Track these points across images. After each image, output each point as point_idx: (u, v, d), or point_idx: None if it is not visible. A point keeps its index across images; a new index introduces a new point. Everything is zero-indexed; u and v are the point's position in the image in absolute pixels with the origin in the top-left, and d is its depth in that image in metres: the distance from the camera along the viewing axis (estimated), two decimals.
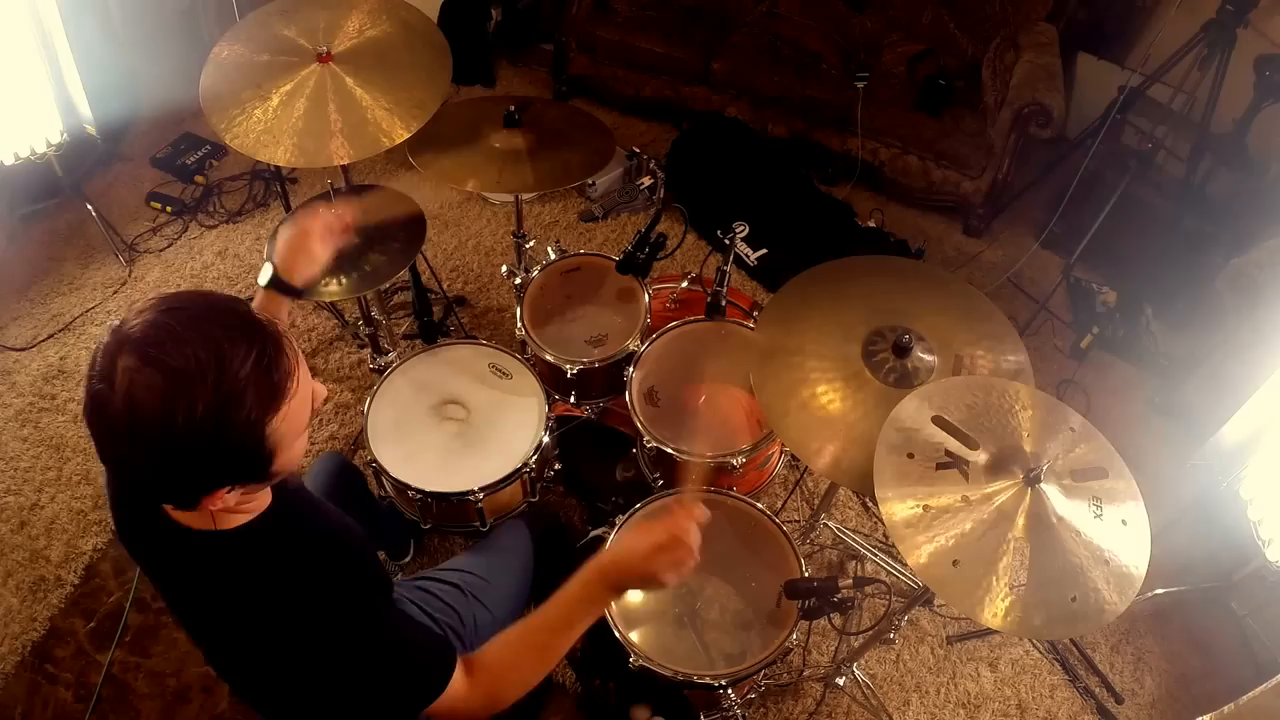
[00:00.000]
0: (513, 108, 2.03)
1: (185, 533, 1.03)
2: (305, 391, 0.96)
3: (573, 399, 2.14)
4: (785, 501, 2.43)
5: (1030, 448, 1.37)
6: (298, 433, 0.97)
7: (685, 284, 2.27)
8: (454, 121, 2.05)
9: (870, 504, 2.43)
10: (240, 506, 1.02)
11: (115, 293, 2.87)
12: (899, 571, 2.20)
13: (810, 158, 3.37)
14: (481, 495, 1.81)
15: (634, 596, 1.71)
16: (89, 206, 2.95)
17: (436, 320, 2.68)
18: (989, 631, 2.19)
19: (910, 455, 1.36)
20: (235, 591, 1.04)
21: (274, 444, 0.93)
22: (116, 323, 0.89)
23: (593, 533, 2.14)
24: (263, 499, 1.06)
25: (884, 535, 2.35)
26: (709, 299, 2.02)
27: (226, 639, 1.09)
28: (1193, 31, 2.80)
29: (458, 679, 1.09)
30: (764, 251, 3.04)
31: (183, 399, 0.85)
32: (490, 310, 2.91)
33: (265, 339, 0.91)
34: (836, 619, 1.93)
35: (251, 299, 1.31)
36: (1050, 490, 1.31)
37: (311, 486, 1.65)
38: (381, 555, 2.12)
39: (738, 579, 1.73)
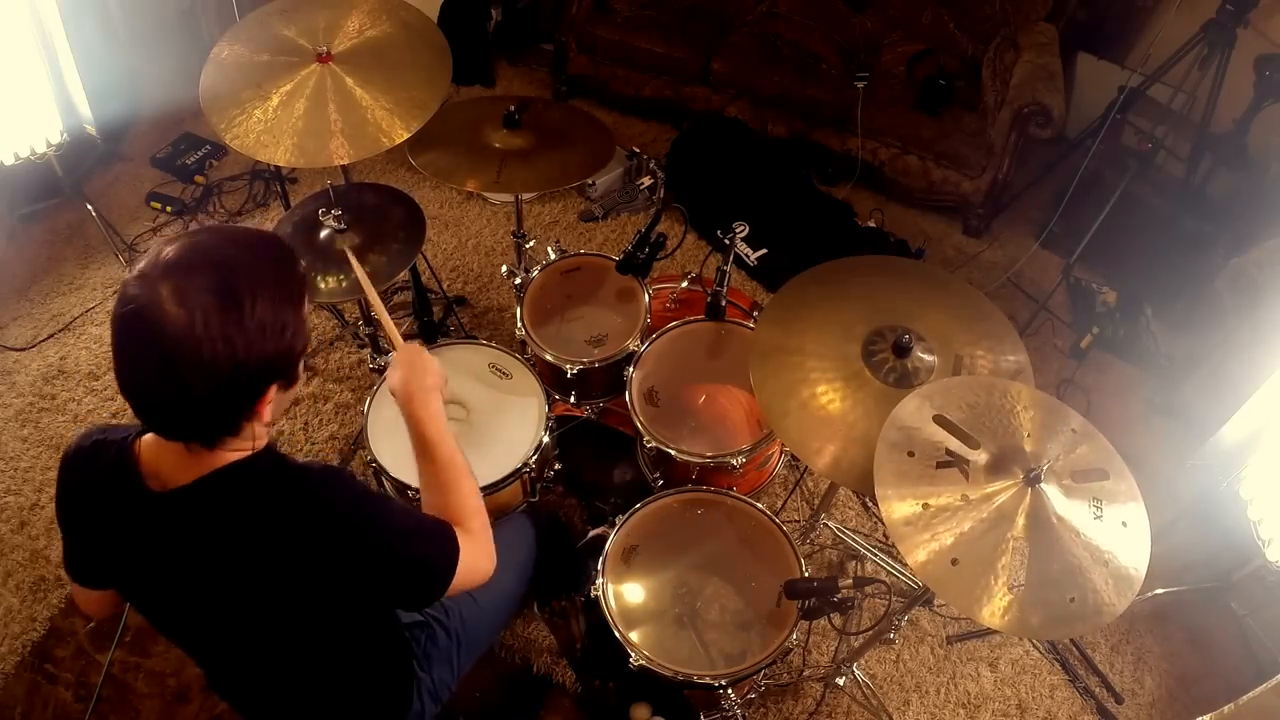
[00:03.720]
0: (513, 108, 2.02)
1: (175, 495, 1.04)
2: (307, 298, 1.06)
3: (573, 399, 2.14)
4: (785, 501, 2.43)
5: (1031, 448, 1.37)
6: (309, 333, 1.06)
7: (685, 284, 2.27)
8: (454, 121, 2.05)
9: (870, 504, 2.43)
10: (271, 420, 1.06)
11: (115, 293, 2.86)
12: (899, 571, 2.20)
13: (810, 158, 3.37)
14: (481, 495, 1.81)
15: (634, 596, 1.71)
16: (89, 206, 2.95)
17: (436, 320, 2.68)
18: (989, 631, 2.19)
19: (911, 454, 1.36)
20: (244, 520, 1.05)
21: (306, 334, 1.03)
22: (140, 264, 0.94)
23: (593, 533, 2.14)
24: (277, 413, 1.09)
25: (884, 535, 2.35)
26: (709, 299, 2.02)
27: (236, 577, 1.08)
28: (1193, 31, 2.81)
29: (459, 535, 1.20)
30: (764, 251, 3.04)
31: (243, 291, 0.93)
32: (490, 310, 2.91)
33: (278, 241, 1.03)
34: (836, 619, 1.93)
35: None
36: (1050, 490, 1.31)
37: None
38: None
39: (738, 579, 1.73)
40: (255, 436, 1.05)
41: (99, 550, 1.14)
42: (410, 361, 1.32)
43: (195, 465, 1.03)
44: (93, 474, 1.10)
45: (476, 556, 1.21)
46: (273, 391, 1.02)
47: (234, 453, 1.05)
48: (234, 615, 1.13)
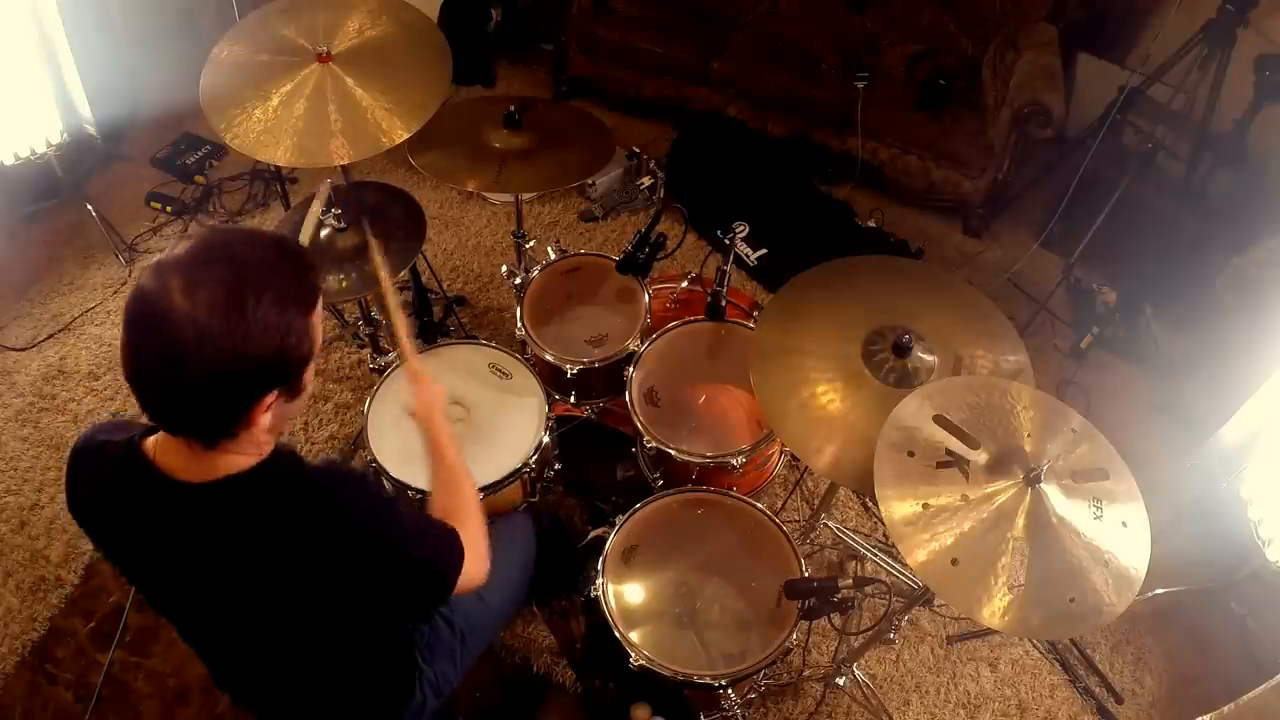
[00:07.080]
0: (513, 108, 2.02)
1: (195, 489, 1.04)
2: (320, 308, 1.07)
3: (573, 399, 2.14)
4: (785, 501, 2.43)
5: (1031, 448, 1.37)
6: (318, 343, 1.06)
7: (685, 284, 2.27)
8: (454, 121, 2.05)
9: (870, 504, 2.43)
10: (272, 428, 1.06)
11: (115, 293, 2.87)
12: (899, 571, 2.20)
13: (810, 158, 3.37)
14: (481, 495, 1.81)
15: (634, 597, 1.71)
16: (89, 206, 2.95)
17: (436, 320, 2.68)
18: (989, 631, 2.19)
19: (911, 454, 1.36)
20: (262, 524, 1.06)
21: (311, 343, 1.03)
22: (158, 257, 0.97)
23: (593, 533, 2.14)
24: (280, 424, 1.09)
25: (884, 535, 2.34)
26: (709, 299, 2.02)
27: (253, 577, 1.09)
28: (1193, 31, 2.81)
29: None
30: (764, 251, 3.04)
31: (250, 290, 0.94)
32: (490, 310, 2.91)
33: (295, 248, 1.05)
34: (836, 619, 1.93)
35: None
36: (1050, 490, 1.31)
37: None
38: None
39: (738, 579, 1.73)
40: (257, 444, 1.05)
41: (120, 546, 1.14)
42: (429, 391, 1.45)
43: (205, 468, 1.03)
44: (99, 475, 1.10)
45: (473, 558, 1.24)
46: (272, 397, 1.01)
47: (239, 456, 1.04)
48: (242, 611, 1.13)
